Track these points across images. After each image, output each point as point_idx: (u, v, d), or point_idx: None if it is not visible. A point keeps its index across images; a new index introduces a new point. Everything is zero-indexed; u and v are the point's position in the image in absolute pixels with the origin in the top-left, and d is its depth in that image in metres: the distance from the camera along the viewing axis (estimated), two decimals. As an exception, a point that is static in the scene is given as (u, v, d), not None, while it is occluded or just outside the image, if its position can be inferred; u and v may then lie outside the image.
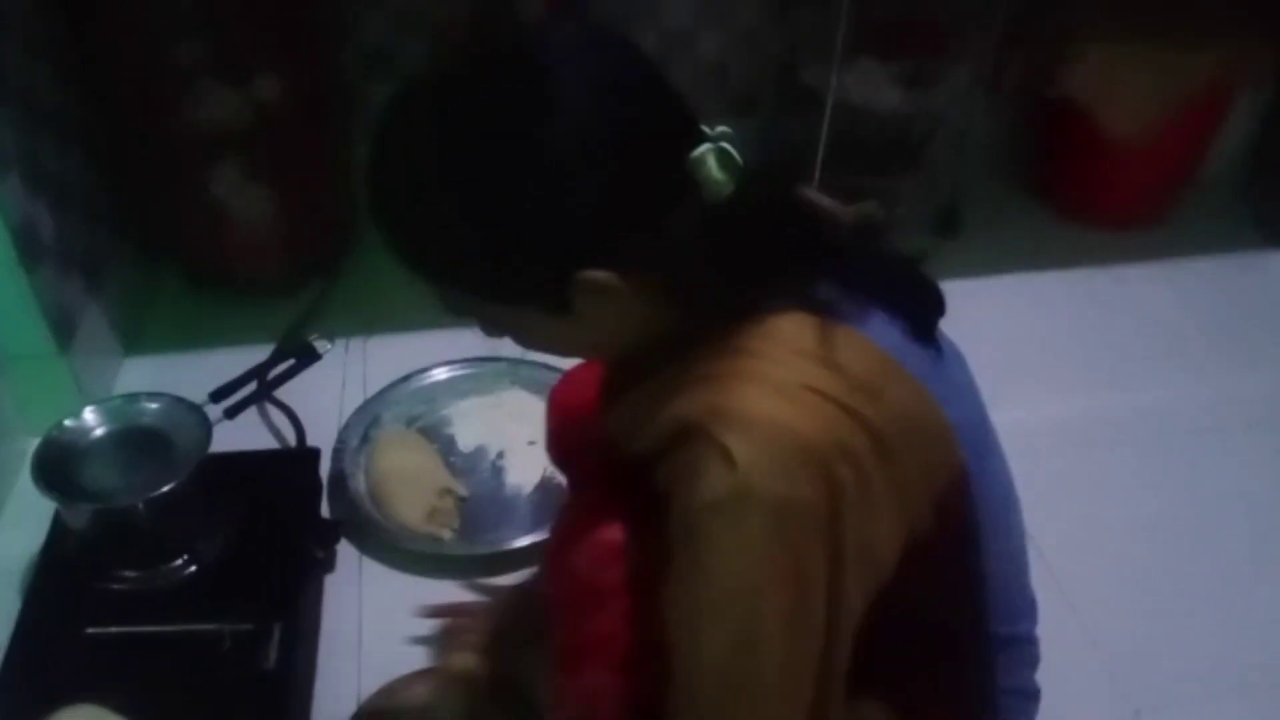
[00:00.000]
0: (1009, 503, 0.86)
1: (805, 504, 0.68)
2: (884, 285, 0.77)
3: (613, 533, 0.81)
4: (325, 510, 1.37)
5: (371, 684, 1.17)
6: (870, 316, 0.75)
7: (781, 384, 0.70)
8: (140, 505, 1.17)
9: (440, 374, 1.58)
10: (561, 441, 1.11)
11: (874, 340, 0.74)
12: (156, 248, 1.82)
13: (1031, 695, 0.92)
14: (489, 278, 0.74)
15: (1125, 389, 1.66)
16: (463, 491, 1.42)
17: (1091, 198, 2.02)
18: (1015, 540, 0.87)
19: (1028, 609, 0.91)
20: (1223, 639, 1.29)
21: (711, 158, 0.71)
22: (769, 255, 0.74)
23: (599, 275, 0.71)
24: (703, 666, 0.73)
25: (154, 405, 1.25)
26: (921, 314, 0.78)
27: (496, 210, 0.70)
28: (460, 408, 1.55)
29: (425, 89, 0.73)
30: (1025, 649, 0.90)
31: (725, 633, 0.71)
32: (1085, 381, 1.68)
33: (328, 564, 1.31)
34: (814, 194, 0.79)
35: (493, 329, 0.82)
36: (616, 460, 0.81)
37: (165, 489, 1.15)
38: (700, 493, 0.68)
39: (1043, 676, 0.94)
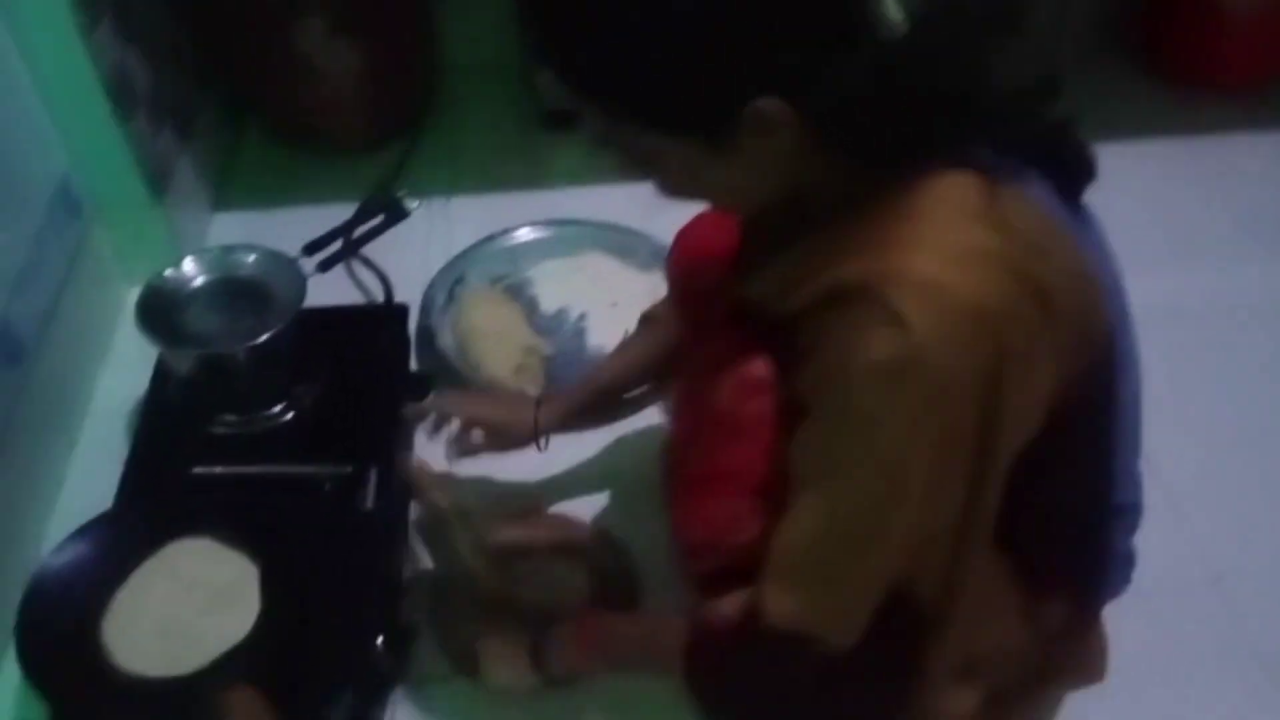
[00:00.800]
0: (1137, 372, 0.85)
1: (970, 371, 0.67)
2: (1039, 147, 0.75)
3: (758, 368, 0.81)
4: (414, 364, 1.40)
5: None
6: (1029, 178, 0.74)
7: (953, 248, 0.69)
8: (241, 352, 1.20)
9: (523, 235, 1.59)
10: (686, 287, 1.08)
11: (1036, 202, 0.73)
12: (242, 103, 1.83)
13: (1130, 560, 0.93)
14: (661, 97, 0.71)
15: (1230, 264, 1.62)
16: (547, 350, 1.44)
17: (1200, 63, 1.92)
18: (1138, 408, 0.86)
19: (1138, 478, 0.91)
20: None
21: None
22: (936, 109, 0.71)
23: (772, 105, 0.68)
24: (829, 518, 0.74)
25: (251, 257, 1.27)
26: (1073, 178, 0.77)
27: (682, 20, 0.66)
28: (543, 269, 1.56)
29: None
30: (1131, 517, 0.91)
31: (861, 493, 0.72)
32: (1188, 255, 1.63)
33: (421, 415, 1.34)
34: (986, 49, 0.75)
35: (639, 163, 0.78)
36: (749, 317, 0.81)
37: (265, 336, 1.18)
38: (863, 354, 0.68)
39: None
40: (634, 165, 0.78)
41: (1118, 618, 0.95)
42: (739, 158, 0.72)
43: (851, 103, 0.68)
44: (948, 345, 0.66)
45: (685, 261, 1.07)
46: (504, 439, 1.19)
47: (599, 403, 1.22)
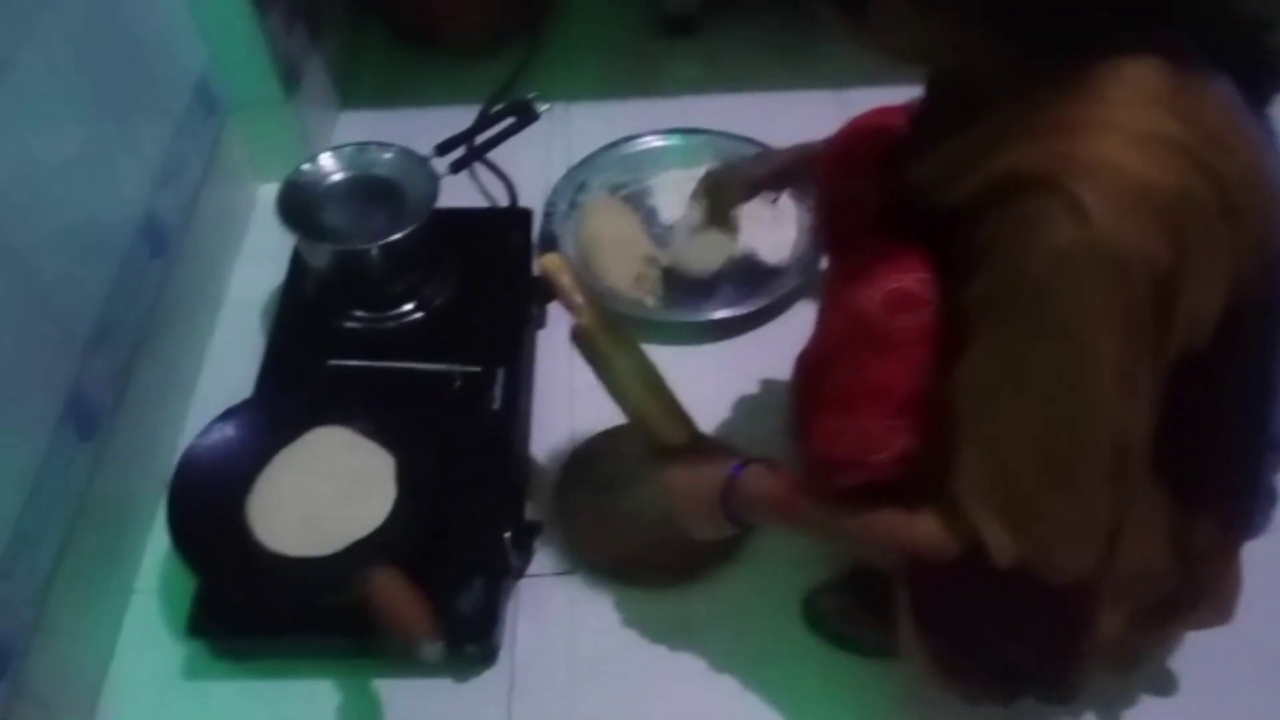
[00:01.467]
0: None
1: (1152, 259, 0.66)
2: (1229, 46, 0.72)
3: (912, 280, 0.79)
4: (537, 270, 1.42)
5: (582, 429, 1.25)
6: (1219, 76, 0.71)
7: (1135, 132, 0.67)
8: (374, 249, 1.23)
9: (644, 143, 1.58)
10: (841, 178, 1.01)
11: (1223, 97, 0.70)
12: (366, 2, 1.83)
13: (1275, 497, 0.91)
14: None
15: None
16: (665, 261, 1.44)
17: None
18: None
19: None
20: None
21: None
22: None
23: None
24: (1023, 433, 0.72)
25: (386, 155, 1.29)
26: (1260, 83, 0.74)
27: None
28: (663, 179, 1.55)
29: None
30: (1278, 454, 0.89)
31: (1052, 396, 0.71)
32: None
33: (540, 320, 1.37)
34: None
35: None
36: (910, 215, 0.80)
37: (399, 235, 1.21)
38: (1042, 244, 0.66)
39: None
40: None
41: (1251, 552, 0.93)
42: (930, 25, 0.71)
43: None
44: (1129, 231, 0.65)
45: (845, 150, 1.03)
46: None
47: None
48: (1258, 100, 0.74)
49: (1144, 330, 0.68)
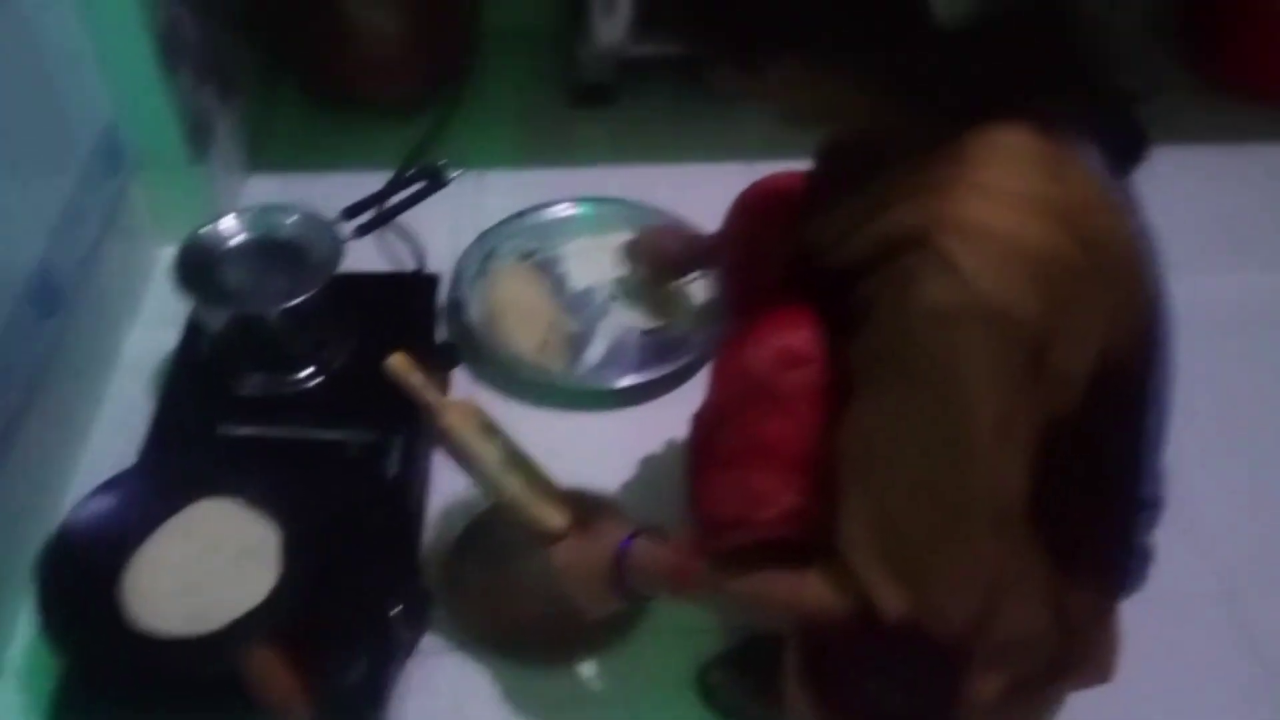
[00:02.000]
0: (1169, 364, 0.84)
1: (1024, 319, 0.67)
2: (1097, 120, 0.75)
3: (800, 338, 0.80)
4: (441, 334, 1.41)
5: (479, 497, 1.22)
6: (1089, 145, 0.74)
7: (1008, 194, 0.69)
8: (274, 313, 1.21)
9: (556, 211, 1.59)
10: (741, 248, 1.05)
11: (1091, 163, 0.73)
12: (282, 61, 1.83)
13: (1148, 557, 0.93)
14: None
15: (1264, 271, 1.62)
16: (572, 327, 1.44)
17: (1246, 70, 1.90)
18: (1167, 403, 0.86)
19: (1162, 473, 0.90)
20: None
21: None
22: (1009, 65, 0.71)
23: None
24: (906, 488, 0.73)
25: (290, 218, 1.28)
26: (1125, 156, 0.77)
27: None
28: (574, 246, 1.55)
29: None
30: (1153, 513, 0.90)
31: (933, 450, 0.71)
32: (1223, 260, 1.62)
33: (444, 386, 1.35)
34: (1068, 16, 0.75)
35: (741, 64, 0.76)
36: (805, 275, 0.80)
37: (299, 299, 1.19)
38: (919, 300, 0.68)
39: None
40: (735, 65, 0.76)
41: (1128, 616, 0.94)
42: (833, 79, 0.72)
43: (931, 53, 0.69)
44: (1002, 287, 0.66)
45: (744, 220, 1.05)
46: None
47: None
48: (1123, 168, 0.77)
49: (1020, 384, 0.69)
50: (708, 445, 0.90)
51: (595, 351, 1.42)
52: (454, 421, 0.99)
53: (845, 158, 0.78)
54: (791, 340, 0.80)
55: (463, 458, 1.00)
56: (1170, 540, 0.93)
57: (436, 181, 1.41)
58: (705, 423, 0.91)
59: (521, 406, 1.36)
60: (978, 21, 0.67)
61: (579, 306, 1.47)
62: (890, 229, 0.71)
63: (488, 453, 0.99)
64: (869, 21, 0.68)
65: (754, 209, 1.05)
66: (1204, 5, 1.94)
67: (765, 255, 0.92)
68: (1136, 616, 0.93)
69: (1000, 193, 0.69)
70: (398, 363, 1.01)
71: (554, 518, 0.98)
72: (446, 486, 1.26)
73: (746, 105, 0.80)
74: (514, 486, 0.99)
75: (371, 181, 1.57)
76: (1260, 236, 1.69)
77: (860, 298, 0.73)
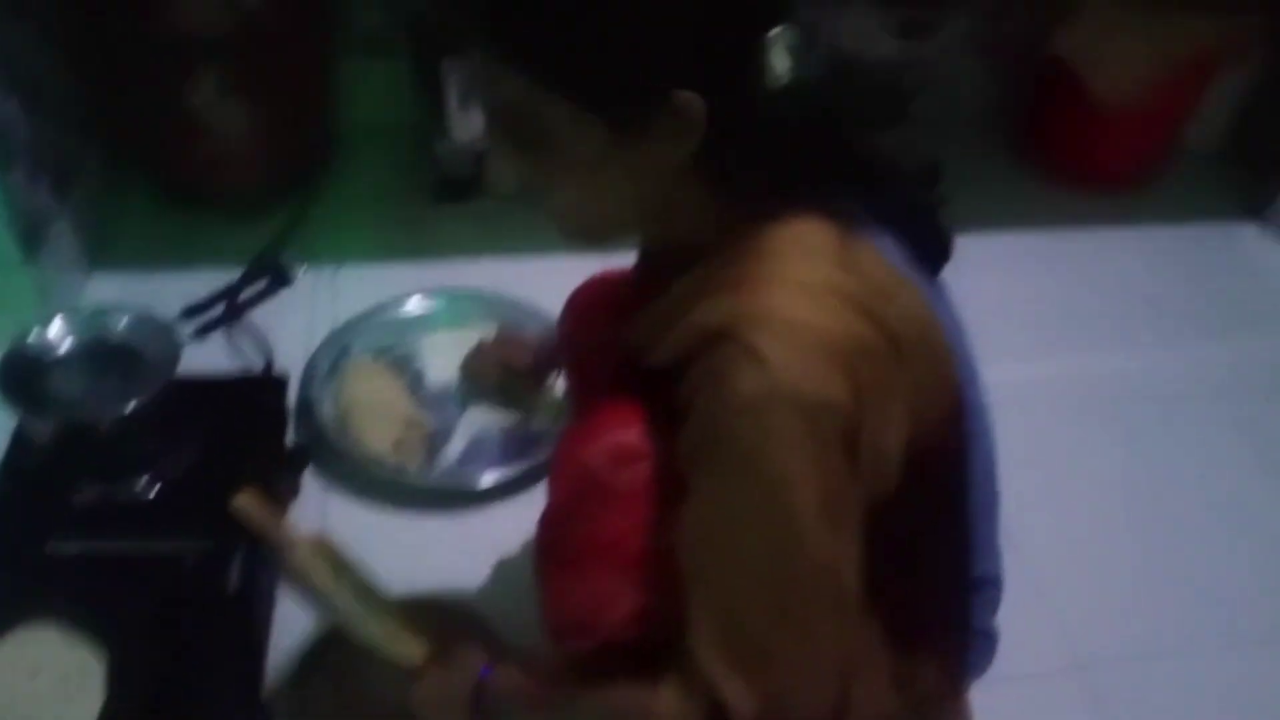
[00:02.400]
0: (991, 440, 0.87)
1: (833, 403, 0.69)
2: (900, 217, 0.78)
3: (631, 435, 0.80)
4: (292, 437, 1.36)
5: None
6: (884, 237, 0.77)
7: (805, 284, 0.71)
8: (105, 421, 1.15)
9: (412, 306, 1.57)
10: (576, 344, 1.07)
11: (886, 253, 0.76)
12: (127, 157, 1.78)
13: (993, 638, 0.94)
14: (590, 63, 0.69)
15: (1095, 352, 1.69)
16: (429, 425, 1.42)
17: (1075, 160, 2.02)
18: (994, 480, 0.88)
19: (998, 553, 0.92)
20: (1173, 600, 1.33)
21: (784, 43, 0.70)
22: (803, 157, 0.74)
23: (692, 101, 0.68)
24: (741, 578, 0.73)
25: (124, 319, 1.22)
26: (931, 255, 0.80)
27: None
28: (430, 341, 1.53)
29: None
30: (992, 592, 0.92)
31: (762, 537, 0.72)
32: (1056, 343, 1.70)
33: (293, 491, 1.31)
34: (863, 117, 0.79)
35: (530, 146, 0.75)
36: (636, 371, 0.81)
37: (132, 405, 1.14)
38: (729, 395, 0.69)
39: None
40: (524, 149, 0.75)
41: (980, 700, 0.95)
42: (634, 158, 0.72)
43: (730, 140, 0.71)
44: (804, 377, 0.68)
45: (576, 319, 1.07)
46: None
47: None
48: (932, 269, 0.81)
49: (838, 467, 0.70)
50: (551, 546, 0.89)
51: (454, 449, 1.40)
52: (304, 562, 0.95)
53: (661, 257, 0.80)
54: (623, 437, 0.81)
55: (314, 598, 0.96)
56: (1015, 616, 0.94)
57: (280, 279, 1.38)
58: (549, 523, 0.90)
59: (378, 509, 1.33)
60: (777, 116, 0.71)
61: (436, 403, 1.45)
62: (698, 325, 0.72)
63: (340, 594, 0.95)
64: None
65: (580, 310, 1.06)
66: (1034, 101, 2.07)
67: (597, 353, 0.92)
68: (988, 697, 0.95)
69: (799, 284, 0.71)
70: (243, 503, 0.97)
71: (412, 652, 0.94)
72: (293, 598, 1.20)
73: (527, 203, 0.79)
74: (368, 626, 0.95)
75: (222, 280, 1.53)
76: (1094, 316, 1.77)
77: (682, 393, 0.73)
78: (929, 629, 0.86)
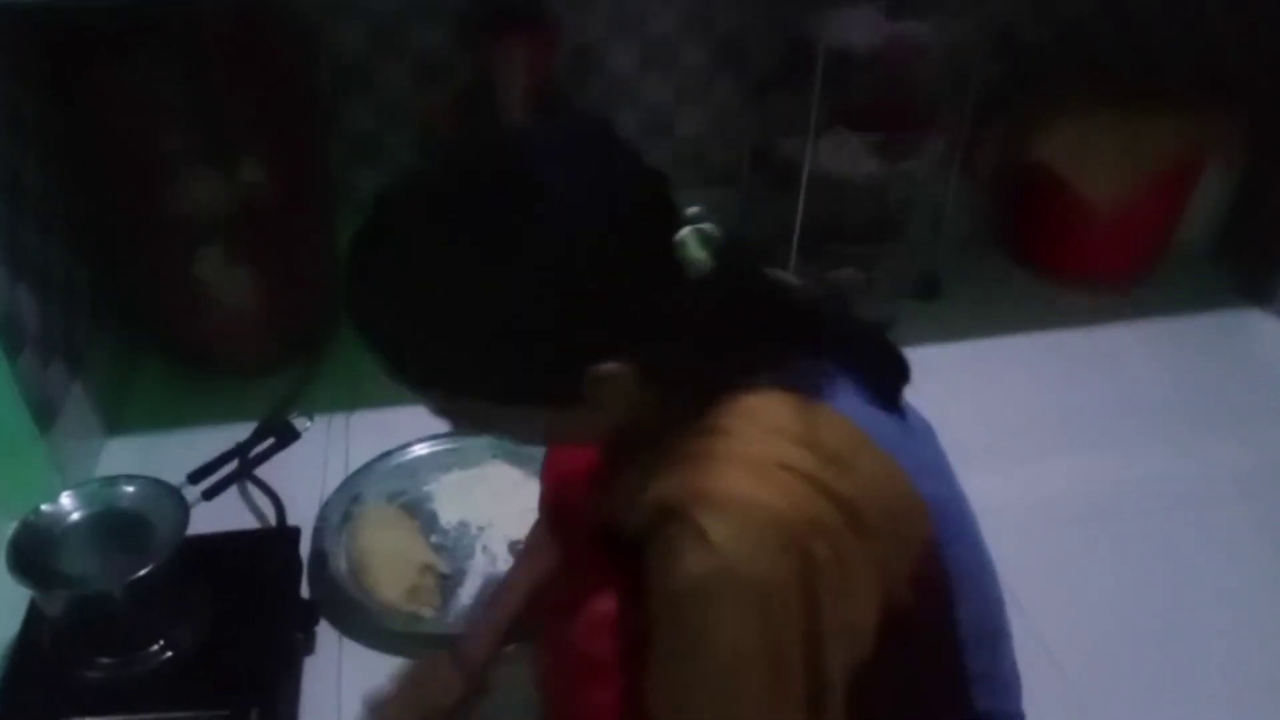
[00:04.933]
0: (986, 580, 0.85)
1: (781, 582, 0.68)
2: (851, 353, 0.78)
3: (606, 604, 0.80)
4: (306, 590, 1.36)
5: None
6: (839, 388, 0.76)
7: (755, 462, 0.70)
8: (116, 590, 1.15)
9: (422, 449, 1.58)
10: (556, 512, 1.09)
11: (845, 414, 0.75)
12: (138, 329, 1.82)
13: None
14: (503, 383, 0.74)
15: (1103, 452, 1.66)
16: (444, 569, 1.41)
17: (1069, 262, 2.05)
18: (993, 614, 0.86)
19: (1013, 684, 0.90)
20: (1209, 710, 1.28)
21: (692, 239, 0.72)
22: (743, 331, 0.75)
23: (609, 367, 0.72)
24: None
25: (131, 488, 1.23)
26: (887, 382, 0.80)
27: (506, 321, 0.71)
28: (443, 482, 1.55)
29: (415, 203, 0.74)
30: None
31: (711, 715, 0.71)
32: (1062, 445, 1.67)
33: (307, 645, 1.30)
34: (781, 272, 0.81)
35: (491, 429, 0.83)
36: (611, 538, 0.81)
37: (141, 573, 1.14)
38: (677, 574, 0.69)
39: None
40: (486, 430, 0.83)
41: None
42: (590, 409, 0.75)
43: (672, 342, 0.72)
44: (751, 557, 0.67)
45: (554, 488, 1.08)
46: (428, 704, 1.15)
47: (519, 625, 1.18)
48: (890, 396, 0.80)
49: (788, 648, 0.69)
50: (550, 708, 0.89)
51: (468, 591, 1.39)
52: None
53: (626, 433, 0.80)
54: (600, 606, 0.81)
55: None
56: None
57: (287, 435, 1.40)
58: (546, 689, 0.90)
59: (394, 658, 1.30)
60: (723, 279, 0.72)
61: (452, 545, 1.45)
62: (653, 501, 0.73)
63: None
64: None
65: (553, 481, 1.07)
66: (1023, 207, 2.10)
67: (572, 522, 0.93)
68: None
69: (749, 461, 0.71)
70: None
71: None
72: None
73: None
74: None
75: (234, 440, 1.54)
76: (1101, 416, 1.75)
77: (646, 564, 0.74)
78: None
